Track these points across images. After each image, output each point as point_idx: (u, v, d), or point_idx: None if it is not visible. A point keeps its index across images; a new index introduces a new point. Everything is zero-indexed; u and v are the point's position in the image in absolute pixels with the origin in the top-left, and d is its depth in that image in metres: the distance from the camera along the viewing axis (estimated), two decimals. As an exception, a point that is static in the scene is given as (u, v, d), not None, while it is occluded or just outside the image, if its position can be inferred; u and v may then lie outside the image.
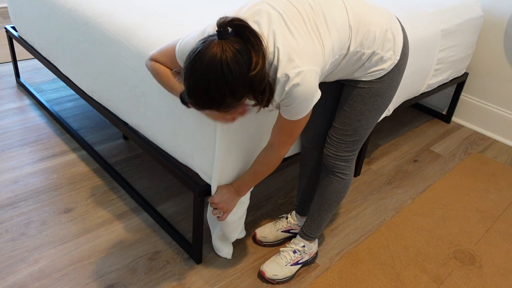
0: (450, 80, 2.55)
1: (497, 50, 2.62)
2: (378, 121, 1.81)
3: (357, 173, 2.21)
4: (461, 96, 2.84)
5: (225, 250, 1.65)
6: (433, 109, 2.95)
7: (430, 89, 2.36)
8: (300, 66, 1.09)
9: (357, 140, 1.42)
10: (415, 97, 2.30)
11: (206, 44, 1.01)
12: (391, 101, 1.39)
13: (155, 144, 1.66)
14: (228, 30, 1.01)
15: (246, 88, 1.04)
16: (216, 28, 1.01)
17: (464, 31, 2.36)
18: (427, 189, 2.19)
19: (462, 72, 2.62)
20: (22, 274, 1.52)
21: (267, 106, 1.14)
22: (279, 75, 1.09)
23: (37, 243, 1.64)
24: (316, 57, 1.13)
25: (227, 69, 0.99)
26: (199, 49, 1.01)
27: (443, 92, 2.91)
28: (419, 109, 3.01)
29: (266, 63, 1.10)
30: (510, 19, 2.53)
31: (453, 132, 2.76)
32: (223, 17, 1.01)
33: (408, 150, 2.51)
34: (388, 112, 2.05)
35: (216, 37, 1.01)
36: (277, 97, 1.14)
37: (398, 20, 1.35)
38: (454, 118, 2.91)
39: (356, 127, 1.38)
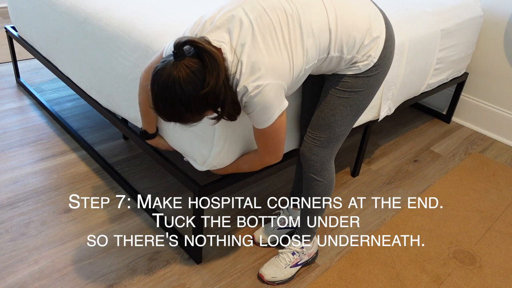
0: (450, 80, 2.55)
1: (497, 50, 2.62)
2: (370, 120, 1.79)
3: (356, 173, 2.21)
4: (461, 96, 2.84)
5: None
6: (433, 109, 2.95)
7: (430, 88, 2.36)
8: (261, 79, 1.12)
9: (331, 138, 1.39)
10: (415, 96, 2.30)
11: (163, 64, 1.07)
12: (369, 101, 1.38)
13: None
14: (183, 51, 1.06)
15: (203, 104, 1.10)
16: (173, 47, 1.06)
17: (464, 31, 2.36)
18: (427, 189, 2.19)
19: (462, 72, 2.62)
20: (22, 274, 1.52)
21: (233, 119, 1.20)
22: (239, 88, 1.13)
23: (37, 243, 1.64)
24: (281, 71, 1.14)
25: (180, 89, 1.05)
26: (158, 68, 1.08)
27: (443, 92, 2.91)
28: (419, 109, 3.01)
29: (231, 76, 1.14)
30: (510, 19, 2.53)
31: (453, 132, 2.76)
32: (178, 38, 1.06)
33: (408, 150, 2.51)
34: (389, 111, 2.05)
35: (172, 57, 1.07)
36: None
37: (384, 16, 1.33)
38: (454, 118, 2.91)
39: (330, 122, 1.37)
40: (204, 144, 1.41)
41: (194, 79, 1.05)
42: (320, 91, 1.48)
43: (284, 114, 1.21)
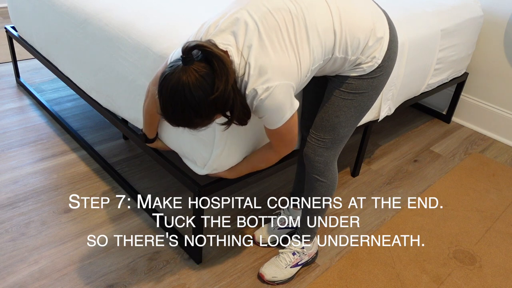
0: (450, 80, 2.55)
1: (497, 50, 2.62)
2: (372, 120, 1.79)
3: (356, 173, 2.21)
4: (461, 96, 2.84)
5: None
6: (433, 109, 2.95)
7: (430, 89, 2.36)
8: (270, 81, 1.11)
9: (335, 139, 1.39)
10: (415, 97, 2.30)
11: (172, 69, 1.06)
12: (373, 102, 1.38)
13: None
14: (192, 55, 1.04)
15: (212, 109, 1.08)
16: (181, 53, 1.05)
17: (464, 31, 2.36)
18: (427, 189, 2.19)
19: (462, 72, 2.62)
20: (22, 274, 1.52)
21: (244, 123, 1.18)
22: (248, 91, 1.12)
23: (37, 243, 1.64)
24: (289, 71, 1.13)
25: (190, 95, 1.04)
26: (166, 74, 1.06)
27: (443, 92, 2.91)
28: (419, 109, 3.01)
29: (238, 79, 1.13)
30: (510, 19, 2.53)
31: (453, 132, 2.76)
32: (186, 43, 1.05)
33: (408, 150, 2.51)
34: (389, 111, 2.05)
35: (181, 62, 1.05)
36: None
37: (387, 17, 1.33)
38: (454, 118, 2.91)
39: (334, 123, 1.36)
40: (204, 146, 1.41)
41: (203, 83, 1.04)
42: (322, 93, 1.48)
43: (296, 112, 1.21)
